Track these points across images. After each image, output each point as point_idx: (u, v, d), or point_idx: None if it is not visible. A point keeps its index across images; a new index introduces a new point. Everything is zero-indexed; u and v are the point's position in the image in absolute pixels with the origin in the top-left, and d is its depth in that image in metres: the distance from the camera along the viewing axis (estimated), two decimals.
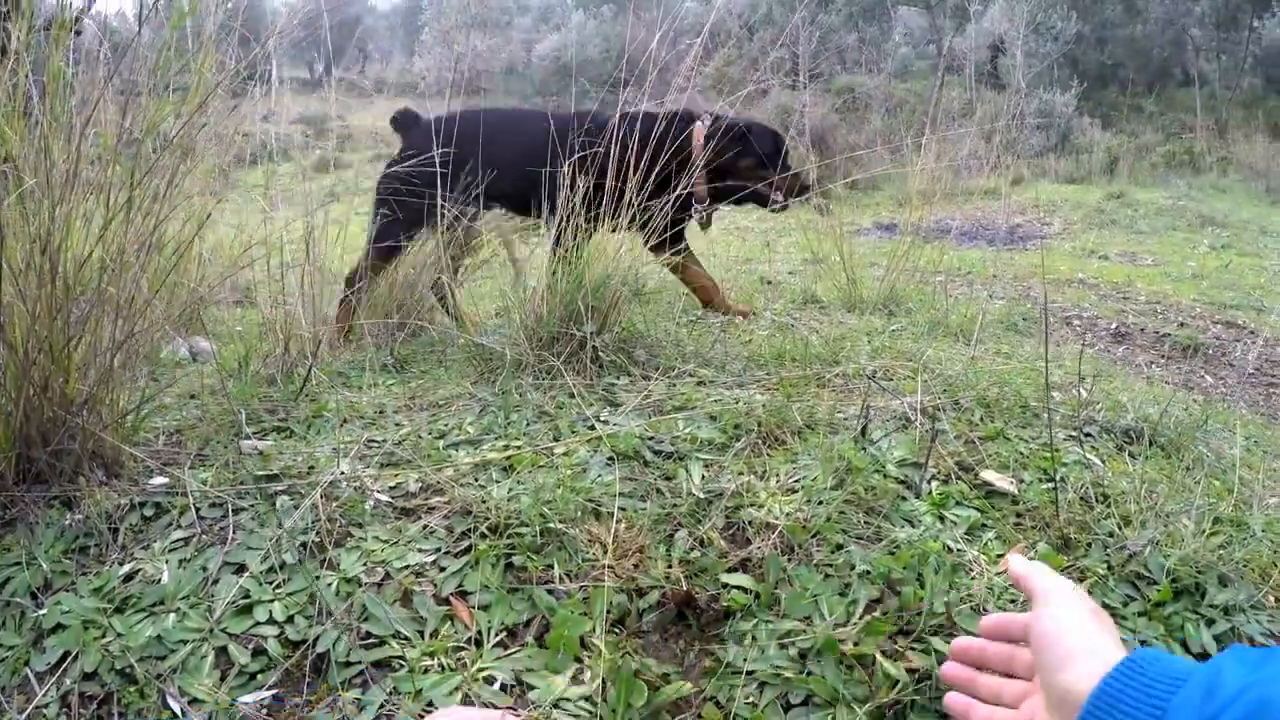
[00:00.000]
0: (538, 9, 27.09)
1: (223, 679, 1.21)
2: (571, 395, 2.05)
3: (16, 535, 1.49)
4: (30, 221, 1.55)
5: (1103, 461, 1.84)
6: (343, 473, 1.61)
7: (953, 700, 0.93)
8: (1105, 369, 3.13)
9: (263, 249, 2.49)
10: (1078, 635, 0.79)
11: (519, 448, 1.75)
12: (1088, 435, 1.99)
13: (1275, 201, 11.37)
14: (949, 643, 1.17)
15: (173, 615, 1.30)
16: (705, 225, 3.39)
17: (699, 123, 3.11)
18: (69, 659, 1.26)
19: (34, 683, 1.25)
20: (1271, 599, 1.45)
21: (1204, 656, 1.33)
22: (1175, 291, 5.84)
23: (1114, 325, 4.77)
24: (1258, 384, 4.10)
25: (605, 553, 1.41)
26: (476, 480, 1.62)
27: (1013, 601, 1.33)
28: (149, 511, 1.56)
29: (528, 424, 1.90)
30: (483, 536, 1.43)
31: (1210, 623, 1.38)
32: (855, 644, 1.23)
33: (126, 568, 1.41)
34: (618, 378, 2.23)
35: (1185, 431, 2.08)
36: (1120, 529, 1.55)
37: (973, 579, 1.37)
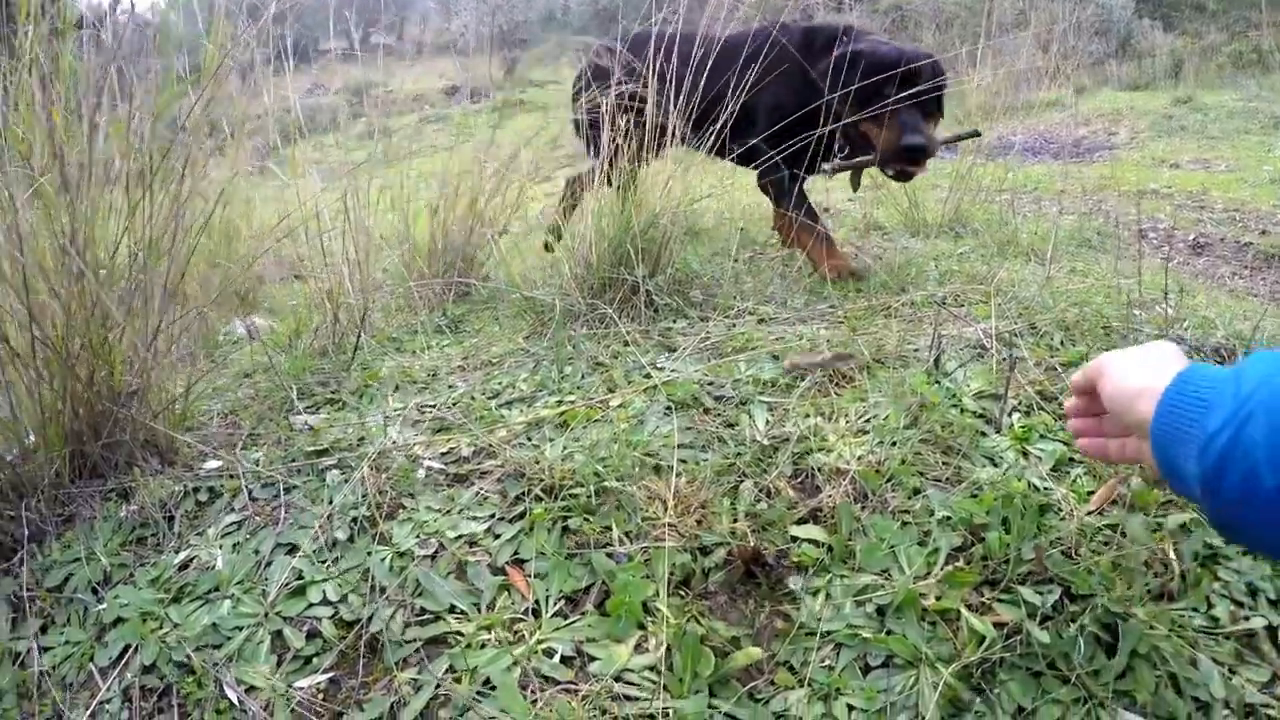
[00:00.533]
0: None
1: (279, 664, 1.18)
2: (626, 343, 1.96)
3: (76, 531, 1.48)
4: (54, 219, 1.51)
5: None
6: (392, 442, 1.56)
7: (1084, 444, 1.05)
8: (1187, 284, 2.92)
9: (302, 220, 2.44)
10: (1132, 380, 0.90)
11: (572, 403, 1.67)
12: None
13: None
14: (1040, 593, 1.08)
15: (227, 602, 1.27)
16: (855, 184, 2.85)
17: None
18: (129, 652, 1.24)
19: (97, 678, 1.23)
20: None
21: None
22: (1254, 198, 5.47)
23: (1192, 237, 4.50)
24: None
25: (666, 510, 1.33)
26: (530, 440, 1.55)
27: (1105, 544, 1.22)
28: (203, 496, 1.54)
29: (582, 376, 1.83)
30: (537, 499, 1.37)
31: None
32: (938, 598, 1.14)
33: (182, 555, 1.38)
34: (674, 321, 2.13)
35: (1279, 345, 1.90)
36: None
37: (1062, 519, 1.26)
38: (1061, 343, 1.82)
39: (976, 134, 2.95)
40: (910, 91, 2.34)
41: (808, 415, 1.55)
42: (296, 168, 2.52)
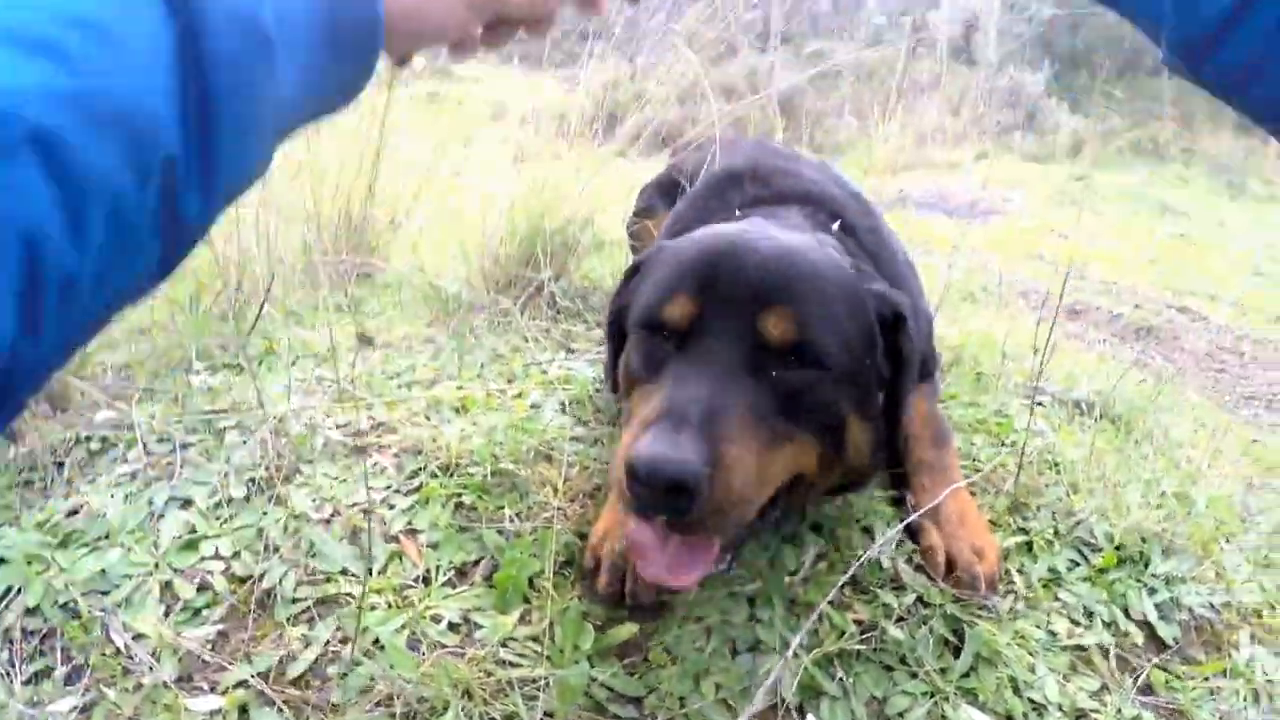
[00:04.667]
0: None
1: (167, 614, 1.21)
2: (526, 339, 2.04)
3: None
4: None
5: (1054, 429, 1.88)
6: (293, 409, 1.60)
7: None
8: (1059, 343, 3.16)
9: None
10: None
11: (472, 388, 1.74)
12: (1040, 404, 2.02)
13: (1236, 196, 11.52)
14: (897, 596, 1.22)
15: (117, 550, 1.29)
16: None
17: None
18: (12, 593, 1.25)
19: None
20: (1212, 573, 1.51)
21: (1145, 624, 1.38)
22: (1131, 275, 5.93)
23: (1070, 302, 4.84)
24: (1207, 369, 4.19)
25: (555, 495, 1.42)
26: (429, 420, 1.62)
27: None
28: (95, 446, 1.55)
29: (482, 366, 1.89)
30: (433, 476, 1.44)
31: (1152, 591, 1.43)
32: (803, 593, 1.26)
33: (71, 502, 1.39)
34: (574, 324, 2.22)
35: (1136, 407, 2.13)
36: (1069, 495, 1.60)
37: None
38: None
39: None
40: None
41: None
42: None
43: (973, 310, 3.46)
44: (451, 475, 1.43)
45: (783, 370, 1.18)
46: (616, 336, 1.43)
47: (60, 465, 1.49)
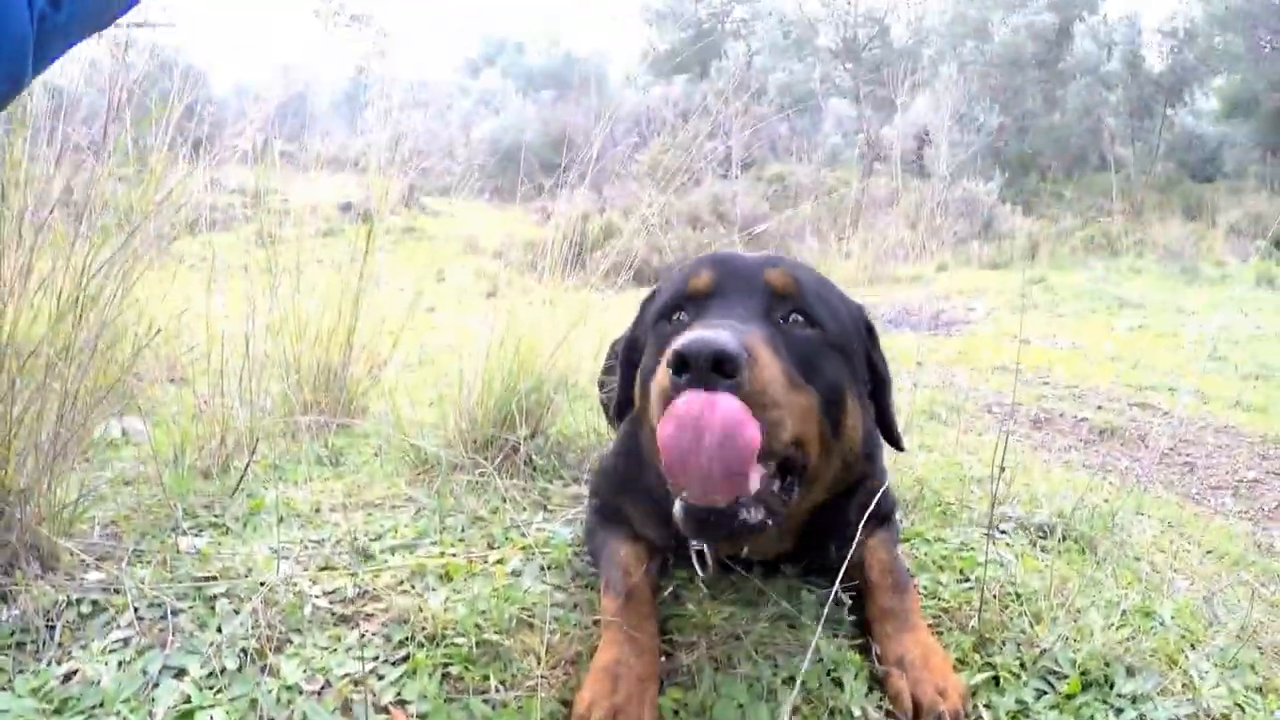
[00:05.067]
0: (478, 93, 27.66)
1: None
2: (505, 500, 2.13)
3: None
4: None
5: (1017, 558, 1.98)
6: (282, 578, 1.66)
7: None
8: (1023, 459, 3.30)
9: (197, 324, 2.53)
10: None
11: (454, 555, 1.82)
12: (1002, 533, 2.13)
13: (1190, 281, 11.95)
14: None
15: (113, 719, 1.33)
16: None
17: None
18: None
19: None
20: (1180, 684, 1.56)
21: None
22: (1093, 374, 6.12)
23: (1034, 412, 5.00)
24: (1173, 464, 4.32)
25: (539, 663, 1.48)
26: (413, 587, 1.68)
27: None
28: (86, 609, 1.59)
29: (462, 529, 1.97)
30: (420, 645, 1.50)
31: (1119, 711, 1.49)
32: None
33: (65, 667, 1.43)
34: (550, 482, 2.32)
35: (1098, 523, 2.24)
36: (1032, 626, 1.67)
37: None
38: (899, 519, 2.09)
39: None
40: None
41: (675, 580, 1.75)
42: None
43: (939, 431, 3.58)
44: (438, 645, 1.50)
45: (788, 323, 1.44)
46: (626, 365, 1.70)
47: (52, 628, 1.53)
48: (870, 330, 1.65)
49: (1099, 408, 5.19)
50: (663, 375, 1.26)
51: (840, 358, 1.50)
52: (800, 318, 1.46)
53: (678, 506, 1.31)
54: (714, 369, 1.19)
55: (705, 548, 1.57)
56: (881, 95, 21.03)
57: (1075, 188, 21.48)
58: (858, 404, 1.54)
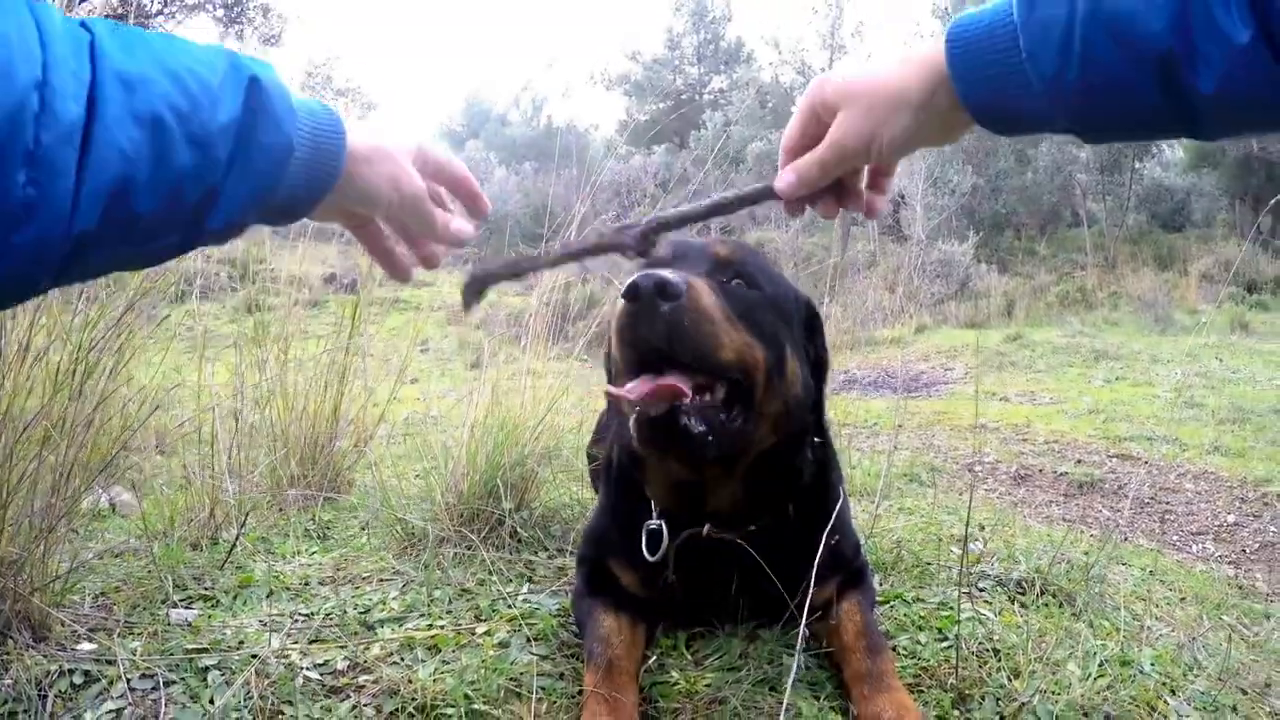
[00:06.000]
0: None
1: None
2: (491, 572, 2.17)
3: None
4: None
5: (995, 614, 2.01)
6: (273, 652, 1.69)
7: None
8: (1004, 515, 3.35)
9: (185, 395, 2.58)
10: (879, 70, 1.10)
11: (443, 627, 1.85)
12: (981, 590, 2.18)
13: (1164, 330, 12.16)
14: None
15: None
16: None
17: None
18: None
19: None
20: None
21: None
22: (1072, 429, 6.21)
23: (1014, 469, 5.06)
24: (1152, 513, 4.39)
25: None
26: (403, 660, 1.72)
27: None
28: (78, 679, 1.61)
29: (450, 601, 2.01)
30: (410, 716, 1.53)
31: None
32: None
33: None
34: (536, 553, 2.36)
35: (1076, 576, 2.29)
36: (1010, 680, 1.70)
37: None
38: (879, 583, 2.13)
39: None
40: None
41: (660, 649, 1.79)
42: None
43: (919, 494, 3.62)
44: (428, 716, 1.53)
45: (730, 286, 1.60)
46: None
47: (44, 698, 1.55)
48: (814, 316, 1.82)
49: (1078, 461, 5.27)
50: (619, 307, 1.45)
51: (778, 317, 1.66)
52: (741, 282, 1.63)
53: (630, 422, 1.46)
54: (659, 295, 1.38)
55: (664, 525, 1.71)
56: None
57: (1049, 244, 21.95)
58: (796, 358, 1.68)
